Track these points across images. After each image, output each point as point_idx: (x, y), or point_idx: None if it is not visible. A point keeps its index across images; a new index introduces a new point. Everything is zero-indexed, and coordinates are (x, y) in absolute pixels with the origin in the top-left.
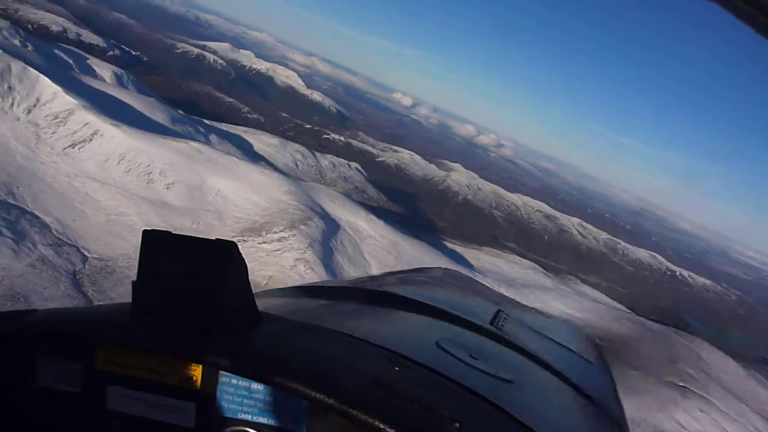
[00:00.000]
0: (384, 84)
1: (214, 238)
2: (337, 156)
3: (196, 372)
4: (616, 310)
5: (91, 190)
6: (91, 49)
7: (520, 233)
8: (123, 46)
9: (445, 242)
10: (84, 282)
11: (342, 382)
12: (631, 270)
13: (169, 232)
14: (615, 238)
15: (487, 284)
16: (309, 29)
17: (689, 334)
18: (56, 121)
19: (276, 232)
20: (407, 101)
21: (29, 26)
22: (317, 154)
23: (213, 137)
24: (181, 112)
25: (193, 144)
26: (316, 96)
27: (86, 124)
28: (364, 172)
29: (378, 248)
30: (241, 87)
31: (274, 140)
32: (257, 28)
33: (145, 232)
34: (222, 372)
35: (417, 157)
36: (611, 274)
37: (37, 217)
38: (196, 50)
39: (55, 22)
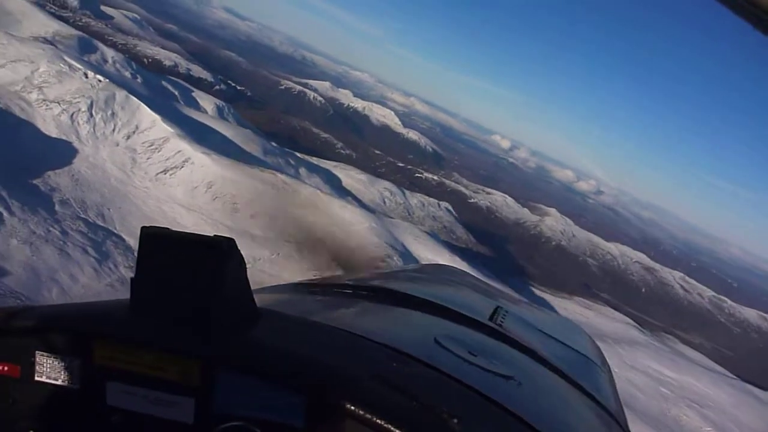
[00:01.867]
0: (483, 126)
1: (212, 234)
2: (427, 195)
3: (195, 368)
4: (719, 374)
5: (178, 215)
6: (198, 83)
7: (615, 284)
8: (229, 81)
9: (533, 288)
10: None
11: (341, 379)
12: (738, 331)
13: (168, 229)
14: (721, 296)
15: None
16: (411, 70)
17: None
18: (152, 147)
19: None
20: (505, 144)
21: (144, 60)
22: (406, 192)
23: (303, 170)
24: (274, 144)
25: (280, 176)
26: (412, 135)
27: (179, 151)
28: (454, 212)
29: None
30: (337, 124)
31: (363, 176)
32: (359, 68)
33: (143, 228)
34: (221, 368)
35: (510, 200)
36: (715, 335)
37: (123, 240)
38: (298, 87)
39: (169, 57)
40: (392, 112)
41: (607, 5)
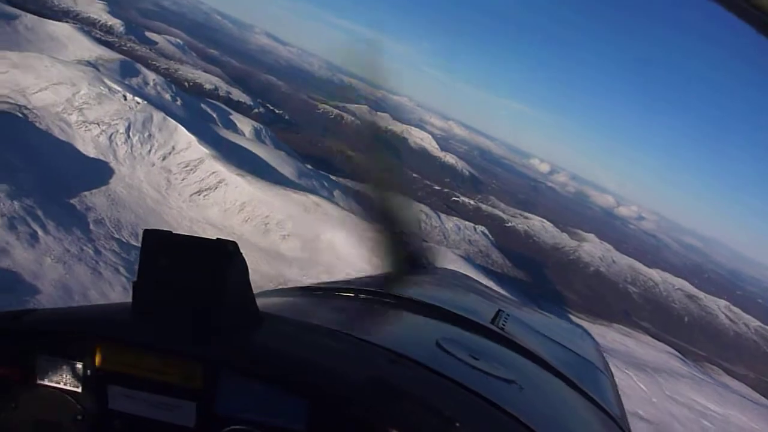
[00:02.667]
0: (521, 150)
1: (215, 237)
2: (464, 219)
3: (197, 371)
4: (765, 407)
5: (211, 236)
6: (238, 106)
7: (656, 312)
8: (268, 105)
9: (571, 315)
10: None
11: (342, 382)
12: None
13: (170, 232)
14: (767, 326)
15: (614, 365)
16: (450, 94)
17: None
18: (187, 168)
19: None
20: (544, 168)
21: (185, 83)
22: (442, 215)
23: (337, 192)
24: (309, 166)
25: (313, 197)
26: (450, 159)
27: (214, 172)
28: (490, 236)
29: None
30: (374, 147)
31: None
32: (398, 93)
33: (145, 231)
34: (223, 371)
35: (548, 225)
36: (761, 366)
37: None
38: (336, 111)
39: (209, 80)
40: (430, 136)
41: (649, 30)
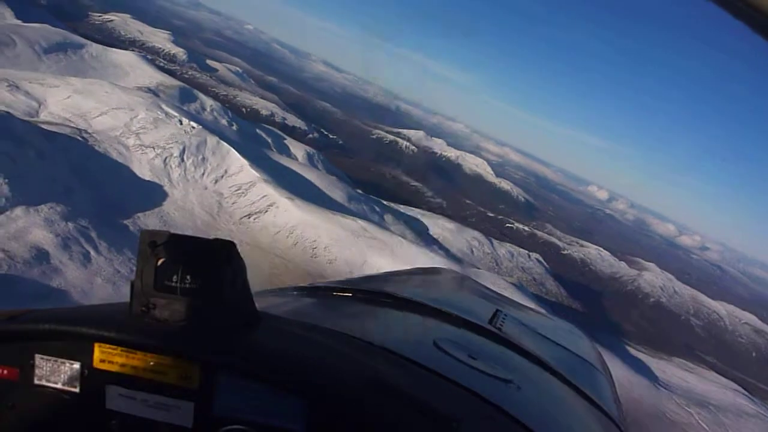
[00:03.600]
0: (579, 176)
1: (212, 237)
2: (518, 246)
3: (195, 372)
4: None
5: (259, 260)
6: (292, 131)
7: (720, 346)
8: (322, 130)
9: (628, 347)
10: None
11: (340, 382)
12: None
13: (168, 232)
14: None
15: (675, 402)
16: (506, 121)
17: None
18: (238, 191)
19: None
20: (602, 195)
21: (243, 109)
22: (495, 241)
23: (388, 217)
24: (360, 191)
25: (361, 222)
26: (504, 185)
27: (264, 196)
28: (545, 263)
29: None
30: (428, 172)
31: (451, 225)
32: (454, 119)
33: (143, 232)
34: (220, 372)
35: (606, 253)
36: None
37: None
38: (390, 136)
39: (266, 107)
40: (485, 162)
41: (711, 55)
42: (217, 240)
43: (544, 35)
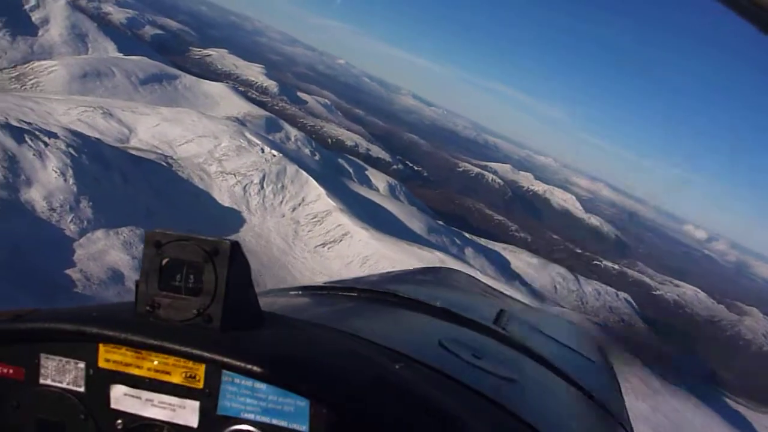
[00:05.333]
0: (675, 215)
1: (217, 237)
2: (605, 284)
3: (200, 371)
4: None
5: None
6: (376, 162)
7: None
8: (407, 162)
9: (727, 399)
10: None
11: (345, 382)
12: None
13: (172, 231)
14: None
15: None
16: (599, 156)
17: None
18: (314, 220)
19: None
20: (701, 234)
21: (328, 140)
22: (581, 278)
23: (468, 250)
24: (440, 223)
25: (438, 254)
26: (594, 221)
27: (339, 225)
28: (634, 304)
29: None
30: (514, 206)
31: (535, 260)
32: (543, 153)
33: (147, 232)
34: (225, 371)
35: (702, 295)
36: None
37: None
38: (476, 169)
39: (351, 138)
40: (573, 197)
41: None
42: (221, 239)
43: (646, 70)
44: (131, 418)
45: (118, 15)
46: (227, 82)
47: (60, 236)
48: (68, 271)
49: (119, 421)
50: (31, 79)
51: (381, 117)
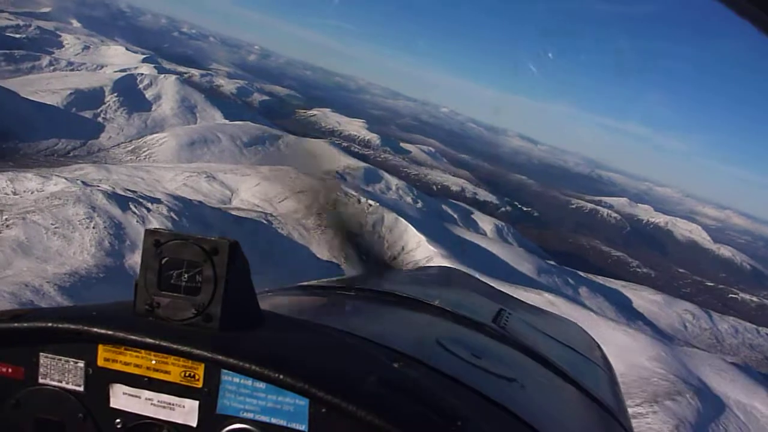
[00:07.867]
0: None
1: (216, 237)
2: (743, 319)
3: (199, 371)
4: None
5: None
6: (483, 205)
7: None
8: (516, 203)
9: None
10: None
11: (344, 381)
12: None
13: (172, 232)
14: None
15: None
16: (725, 183)
17: None
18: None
19: (630, 406)
20: None
21: (433, 187)
22: (715, 315)
23: (583, 290)
24: (552, 263)
25: (548, 296)
26: (725, 251)
27: None
28: None
29: None
30: (633, 241)
31: (659, 297)
32: (664, 184)
33: (146, 231)
34: (224, 371)
35: None
36: None
37: None
38: (590, 205)
39: (457, 183)
40: (699, 227)
41: None
42: (221, 239)
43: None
44: (130, 417)
45: (228, 86)
46: (329, 139)
47: None
48: None
49: (118, 420)
50: (144, 151)
51: (488, 160)
